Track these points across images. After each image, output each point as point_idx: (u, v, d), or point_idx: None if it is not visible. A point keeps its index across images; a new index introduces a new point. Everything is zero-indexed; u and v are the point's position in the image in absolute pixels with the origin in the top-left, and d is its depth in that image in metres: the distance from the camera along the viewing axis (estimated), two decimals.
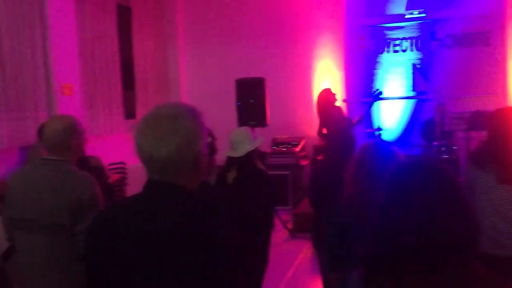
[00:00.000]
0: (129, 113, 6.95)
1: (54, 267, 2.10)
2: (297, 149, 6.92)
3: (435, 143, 6.07)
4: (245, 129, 3.35)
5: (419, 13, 6.72)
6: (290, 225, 5.93)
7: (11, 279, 2.95)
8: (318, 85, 7.34)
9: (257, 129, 5.56)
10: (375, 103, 5.95)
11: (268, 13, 7.43)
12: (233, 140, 3.17)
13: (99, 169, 4.36)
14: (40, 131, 4.77)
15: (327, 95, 5.30)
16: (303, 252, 5.21)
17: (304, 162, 6.94)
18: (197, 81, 7.87)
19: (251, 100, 5.97)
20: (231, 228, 1.25)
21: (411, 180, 1.25)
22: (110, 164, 6.07)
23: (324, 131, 5.16)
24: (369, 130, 6.43)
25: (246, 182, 3.12)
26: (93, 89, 6.21)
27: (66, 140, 2.20)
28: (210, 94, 7.47)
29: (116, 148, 6.42)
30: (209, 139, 2.02)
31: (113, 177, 5.80)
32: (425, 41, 6.81)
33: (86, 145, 2.39)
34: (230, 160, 3.23)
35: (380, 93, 5.77)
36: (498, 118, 2.78)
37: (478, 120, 5.42)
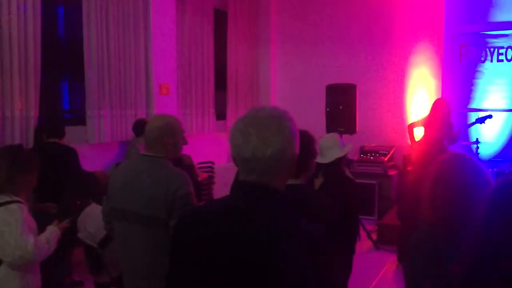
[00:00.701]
0: (220, 114, 7.18)
1: (149, 257, 2.22)
2: (386, 158, 6.72)
3: None
4: (334, 135, 3.32)
5: None
6: (374, 236, 5.77)
7: (107, 265, 3.17)
8: (412, 93, 7.08)
9: (346, 136, 5.50)
10: (479, 122, 5.63)
11: (362, 18, 7.30)
12: (322, 145, 3.15)
13: (190, 167, 4.55)
14: (135, 127, 5.12)
15: (440, 104, 5.07)
16: (387, 265, 5.04)
17: (392, 172, 6.72)
18: (287, 85, 7.94)
19: (340, 106, 5.90)
20: (321, 229, 1.24)
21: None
22: (199, 163, 6.32)
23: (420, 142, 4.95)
24: (466, 143, 6.08)
25: (333, 189, 3.09)
26: (188, 89, 6.50)
27: (162, 138, 2.31)
28: (300, 99, 7.49)
29: (206, 147, 6.67)
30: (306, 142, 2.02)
31: (202, 176, 6.04)
32: None
33: (185, 145, 2.49)
34: (318, 166, 3.21)
35: (490, 116, 5.49)
36: None
37: None
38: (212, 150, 6.81)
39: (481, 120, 5.57)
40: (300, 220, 1.23)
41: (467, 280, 1.25)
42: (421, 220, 2.18)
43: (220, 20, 7.16)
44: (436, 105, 5.06)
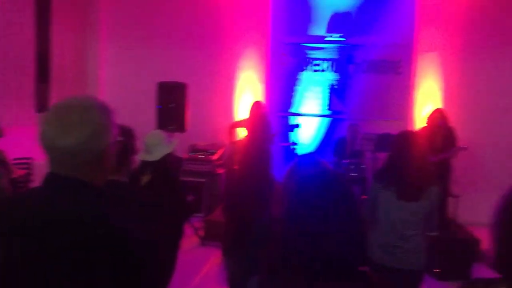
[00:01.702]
0: (42, 107, 6.60)
1: None
2: (215, 157, 6.96)
3: (346, 161, 6.39)
4: (160, 132, 3.34)
5: (338, 37, 7.08)
6: (202, 232, 5.93)
7: None
8: (240, 95, 7.46)
9: (176, 134, 5.55)
10: (292, 128, 6.24)
11: (194, 18, 7.44)
12: (148, 143, 3.14)
13: (2, 162, 4.11)
14: None
15: (259, 106, 5.45)
16: (212, 260, 5.23)
17: (221, 171, 6.99)
18: (117, 80, 7.67)
19: (171, 104, 5.93)
20: (138, 225, 1.24)
21: (311, 193, 1.34)
22: (15, 159, 5.72)
23: (240, 141, 5.28)
24: (284, 144, 6.64)
25: (160, 186, 3.10)
26: (1, 78, 5.84)
27: None
28: (131, 95, 7.31)
29: (24, 142, 6.07)
30: (120, 139, 1.99)
31: (17, 172, 5.48)
32: (342, 63, 7.19)
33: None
34: (145, 163, 3.19)
35: (297, 126, 6.09)
36: (399, 141, 3.03)
37: (384, 142, 5.80)
38: (31, 145, 6.23)
39: (295, 126, 6.17)
40: (108, 215, 1.21)
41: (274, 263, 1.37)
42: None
43: (43, 4, 6.58)
44: (254, 107, 5.48)
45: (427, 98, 7.07)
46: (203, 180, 6.74)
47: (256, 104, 5.56)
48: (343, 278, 1.27)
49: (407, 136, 3.06)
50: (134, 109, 7.24)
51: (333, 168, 6.86)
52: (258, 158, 3.19)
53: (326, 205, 1.32)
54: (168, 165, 3.19)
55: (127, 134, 2.52)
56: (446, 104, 6.92)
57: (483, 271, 4.68)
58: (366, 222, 3.19)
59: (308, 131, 7.15)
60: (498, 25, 6.83)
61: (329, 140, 7.12)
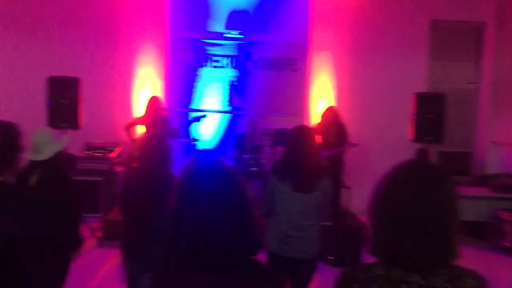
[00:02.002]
0: None
1: None
2: (112, 154, 6.73)
3: (246, 156, 6.52)
4: (48, 130, 3.16)
5: (237, 34, 7.18)
6: (99, 233, 5.71)
7: None
8: (138, 92, 7.28)
9: (70, 132, 5.28)
10: (195, 121, 6.22)
11: (89, 12, 7.11)
12: (35, 141, 2.95)
13: None
14: None
15: (156, 102, 5.37)
16: (111, 261, 5.06)
17: (119, 169, 6.77)
18: (6, 73, 7.08)
19: (63, 100, 5.62)
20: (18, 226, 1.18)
21: (203, 187, 1.36)
22: None
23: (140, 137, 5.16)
24: (185, 141, 6.60)
25: (51, 186, 2.93)
26: None
27: None
28: (20, 89, 6.82)
29: None
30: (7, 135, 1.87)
31: None
32: (241, 60, 7.31)
33: None
34: (33, 163, 3.00)
35: (205, 116, 6.08)
36: (293, 136, 3.17)
37: (281, 137, 6.01)
38: None
39: (197, 119, 6.17)
40: None
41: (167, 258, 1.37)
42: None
43: None
44: (150, 103, 5.40)
45: (322, 95, 7.45)
46: (100, 178, 6.48)
47: (153, 100, 5.48)
48: (237, 269, 1.31)
49: (300, 131, 3.21)
50: (22, 104, 6.77)
51: (230, 163, 6.95)
52: (156, 155, 3.15)
53: (217, 199, 1.35)
54: (58, 164, 3.03)
55: (9, 130, 2.35)
56: (339, 101, 7.34)
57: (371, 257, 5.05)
58: (262, 214, 3.30)
59: (209, 127, 7.18)
60: (379, 30, 7.38)
61: (229, 135, 7.21)
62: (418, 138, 5.93)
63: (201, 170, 1.41)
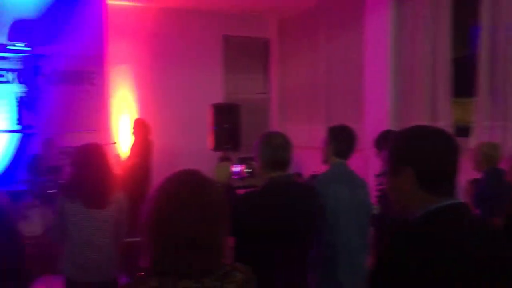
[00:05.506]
0: None
1: None
2: None
3: (42, 178, 6.02)
4: None
5: (23, 46, 6.58)
6: None
7: None
8: None
9: None
10: None
11: None
12: None
13: None
14: None
15: None
16: None
17: None
18: None
19: None
20: None
21: None
22: None
23: None
24: None
25: None
26: None
27: None
28: None
29: None
30: None
31: None
32: (30, 74, 6.71)
33: None
34: None
35: None
36: (80, 154, 3.08)
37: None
38: None
39: None
40: None
41: None
42: None
43: None
44: None
45: (123, 108, 7.32)
46: None
47: None
48: None
49: (87, 148, 3.12)
50: None
51: (22, 187, 6.30)
52: None
53: None
54: None
55: None
56: (141, 114, 7.32)
57: None
58: (54, 240, 3.10)
59: None
60: (177, 44, 7.62)
61: (21, 157, 6.55)
62: (217, 146, 6.25)
63: None
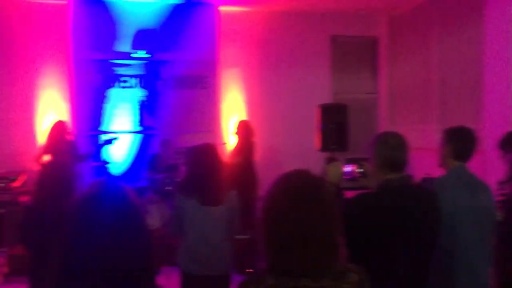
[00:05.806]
0: None
1: None
2: (16, 184, 6.35)
3: (160, 176, 6.45)
4: None
5: (144, 53, 7.12)
6: (5, 269, 5.35)
7: None
8: (42, 116, 6.95)
9: None
10: (106, 144, 6.08)
11: None
12: None
13: None
14: None
15: (60, 127, 5.17)
16: None
17: (25, 198, 6.39)
18: None
19: None
20: None
21: (97, 211, 1.37)
22: None
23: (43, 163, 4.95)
24: (96, 164, 6.41)
25: None
26: None
27: None
28: None
29: None
30: None
31: None
32: (150, 80, 7.25)
33: None
34: None
35: (117, 138, 5.96)
36: (195, 153, 3.25)
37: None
38: None
39: (108, 142, 6.02)
40: None
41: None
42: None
43: None
44: (54, 128, 5.22)
45: (233, 111, 7.59)
46: (3, 210, 6.08)
47: (56, 125, 5.28)
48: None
49: (201, 148, 3.28)
50: None
51: (128, 188, 6.73)
52: (58, 182, 3.06)
53: (112, 223, 1.36)
54: None
55: None
56: (250, 116, 7.53)
57: None
58: (173, 234, 3.31)
59: (120, 149, 7.02)
60: (285, 46, 7.72)
61: (142, 156, 7.09)
62: (324, 147, 6.20)
63: (97, 201, 1.41)
